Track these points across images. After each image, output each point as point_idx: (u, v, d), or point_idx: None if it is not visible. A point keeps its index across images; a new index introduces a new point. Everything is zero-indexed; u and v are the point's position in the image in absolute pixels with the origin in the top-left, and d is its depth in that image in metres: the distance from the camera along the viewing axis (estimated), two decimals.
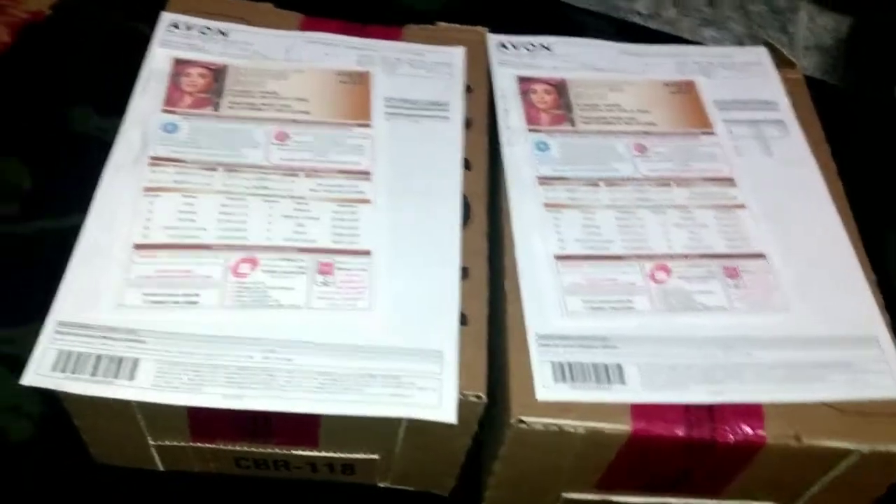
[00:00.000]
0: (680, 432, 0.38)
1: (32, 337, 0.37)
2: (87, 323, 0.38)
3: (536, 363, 0.39)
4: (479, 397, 0.38)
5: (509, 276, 0.43)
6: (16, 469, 0.44)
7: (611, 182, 0.47)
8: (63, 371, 0.36)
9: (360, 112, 0.48)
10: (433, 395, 0.38)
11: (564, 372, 0.39)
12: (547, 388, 0.39)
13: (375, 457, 0.43)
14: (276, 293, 0.40)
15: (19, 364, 0.36)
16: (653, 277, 0.43)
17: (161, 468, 0.44)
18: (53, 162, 0.56)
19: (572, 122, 0.50)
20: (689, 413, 0.39)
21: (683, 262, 0.44)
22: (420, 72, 0.51)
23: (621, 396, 0.39)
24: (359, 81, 0.50)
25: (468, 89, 0.51)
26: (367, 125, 0.48)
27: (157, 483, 0.44)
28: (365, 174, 0.45)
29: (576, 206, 0.46)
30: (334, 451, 0.42)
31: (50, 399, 0.37)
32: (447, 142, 0.47)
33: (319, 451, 0.42)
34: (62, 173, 0.55)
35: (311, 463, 0.43)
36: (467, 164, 0.47)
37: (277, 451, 0.42)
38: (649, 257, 0.44)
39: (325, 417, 0.38)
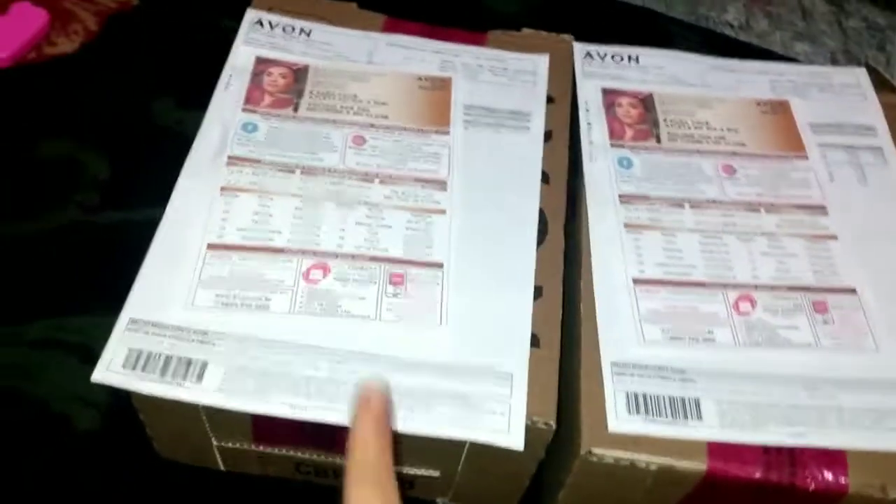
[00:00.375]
0: (758, 475, 0.37)
1: (103, 328, 0.37)
2: (159, 321, 0.38)
3: (610, 392, 0.38)
4: (548, 424, 0.37)
5: (584, 299, 0.41)
6: (80, 458, 0.44)
7: (696, 204, 0.45)
8: (133, 369, 0.36)
9: (439, 118, 0.47)
10: (501, 419, 0.37)
11: (639, 403, 0.38)
12: (620, 420, 0.37)
13: (436, 474, 0.42)
14: (346, 302, 0.39)
15: (89, 354, 0.36)
16: (737, 308, 0.41)
17: (222, 468, 0.44)
18: (133, 153, 0.57)
19: (658, 139, 0.48)
20: (769, 455, 0.37)
21: (769, 294, 0.42)
22: (502, 79, 0.50)
23: (698, 433, 0.37)
24: (439, 87, 0.49)
25: (550, 99, 0.49)
26: (445, 132, 0.47)
27: (217, 483, 0.44)
28: (441, 183, 0.44)
29: (658, 228, 0.44)
30: (394, 465, 0.41)
31: (117, 391, 0.37)
32: (526, 154, 0.46)
33: None
34: (141, 165, 0.56)
35: None
36: (546, 178, 0.45)
37: (338, 459, 0.42)
38: (734, 286, 0.42)
39: None
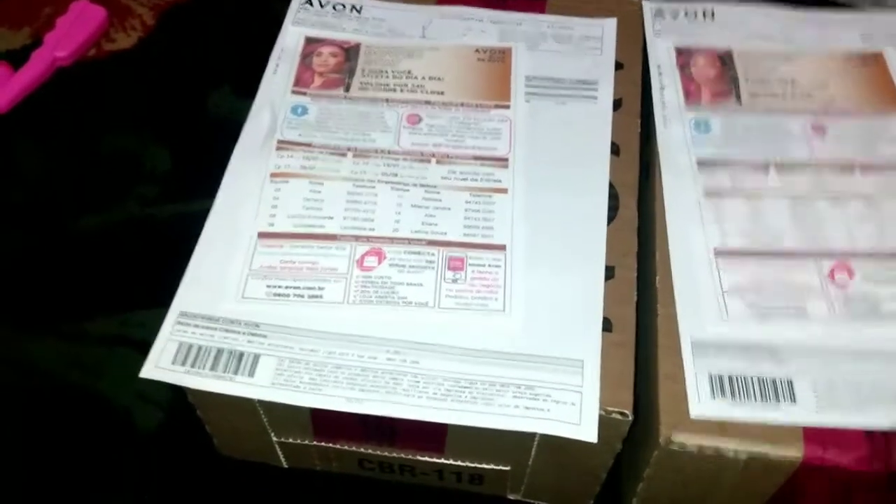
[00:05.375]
0: (861, 462, 0.33)
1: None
2: (210, 314, 0.37)
3: (691, 374, 0.35)
4: (623, 414, 0.34)
5: (661, 274, 0.38)
6: (141, 455, 0.44)
7: (782, 167, 0.41)
8: (183, 364, 0.35)
9: (498, 92, 0.44)
10: (572, 409, 0.34)
11: (724, 385, 0.34)
12: (703, 404, 0.34)
13: (506, 468, 0.39)
14: (403, 289, 0.37)
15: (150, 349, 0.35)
16: (832, 278, 0.37)
17: (285, 465, 0.43)
18: (191, 145, 0.56)
19: (738, 99, 0.44)
20: (873, 440, 0.33)
21: (869, 262, 0.38)
22: (566, 47, 0.46)
23: (792, 417, 0.33)
24: (498, 59, 0.46)
25: (619, 66, 0.46)
26: (505, 106, 0.44)
27: (280, 480, 0.43)
28: (502, 161, 0.42)
29: (740, 195, 0.40)
30: (461, 460, 0.39)
31: (178, 387, 0.36)
32: (594, 125, 0.43)
33: (446, 458, 0.39)
34: (200, 156, 0.55)
35: (438, 470, 0.40)
36: (616, 150, 0.42)
37: (402, 455, 0.40)
38: (828, 255, 0.38)
39: (452, 425, 0.35)
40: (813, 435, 0.33)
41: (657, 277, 0.38)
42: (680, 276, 0.38)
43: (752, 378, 0.35)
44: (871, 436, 0.33)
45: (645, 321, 0.37)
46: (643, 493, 0.37)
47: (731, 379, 0.35)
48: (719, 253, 0.38)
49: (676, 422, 0.34)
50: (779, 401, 0.34)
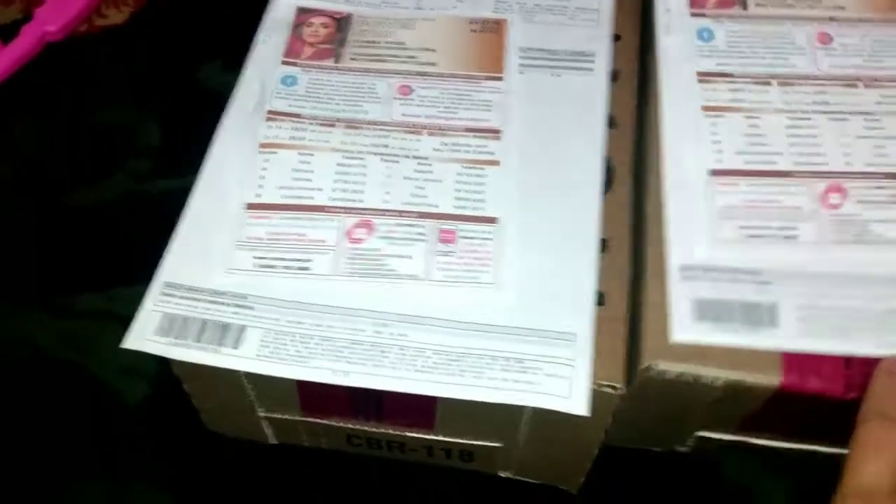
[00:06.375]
0: (837, 390, 0.32)
1: None
2: (195, 285, 0.36)
3: (675, 298, 0.34)
4: (615, 388, 0.33)
5: (653, 195, 0.37)
6: (128, 431, 0.43)
7: (784, 80, 0.40)
8: (167, 336, 0.34)
9: (491, 64, 0.43)
10: (563, 383, 0.33)
11: (707, 310, 0.34)
12: (684, 329, 0.34)
13: (497, 445, 0.39)
14: (393, 262, 0.36)
15: None
16: (824, 201, 0.36)
17: (273, 441, 0.42)
18: (182, 119, 0.55)
19: (744, 5, 0.43)
20: (851, 369, 0.33)
21: (863, 182, 0.37)
22: (561, 18, 0.45)
23: (772, 342, 0.33)
24: (492, 30, 0.45)
25: (616, 38, 0.45)
26: (498, 78, 0.43)
27: (267, 456, 0.42)
28: (494, 133, 0.41)
29: (740, 110, 0.39)
30: (451, 436, 0.39)
31: (167, 362, 0.35)
32: (589, 97, 0.42)
33: (435, 434, 0.39)
34: (191, 131, 0.54)
35: (427, 447, 0.40)
36: (612, 123, 0.41)
37: (391, 431, 0.39)
38: (823, 174, 0.37)
39: (441, 400, 0.35)
40: (792, 361, 0.33)
41: (649, 198, 0.37)
42: (672, 197, 0.37)
43: (736, 302, 0.34)
44: (849, 363, 0.33)
45: (637, 245, 0.37)
46: (619, 417, 0.36)
47: (715, 303, 0.34)
48: (715, 172, 0.37)
49: (658, 349, 0.33)
50: (761, 326, 0.33)
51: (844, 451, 0.32)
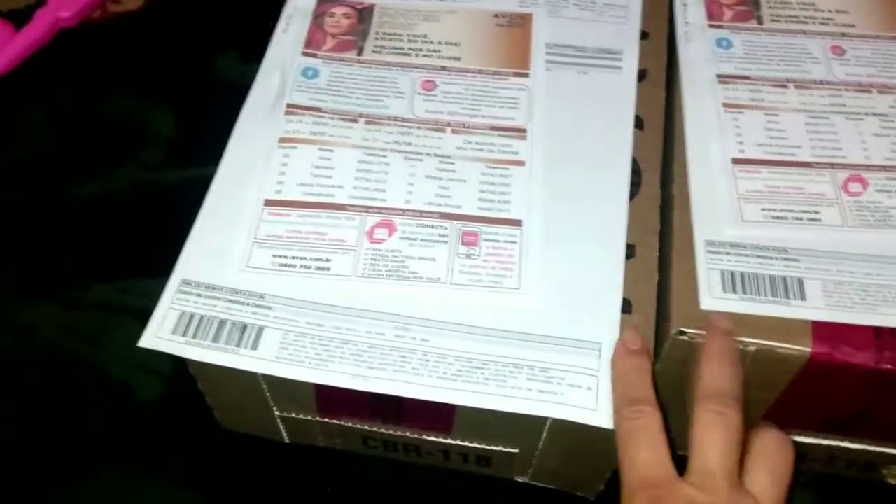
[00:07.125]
0: (869, 360, 0.32)
1: None
2: (213, 284, 0.35)
3: (703, 270, 0.35)
4: None
5: (678, 181, 0.38)
6: (139, 427, 0.42)
7: (801, 84, 0.42)
8: (184, 335, 0.34)
9: (517, 60, 0.42)
10: (587, 394, 0.32)
11: (735, 281, 0.35)
12: (714, 298, 0.34)
13: (515, 451, 0.38)
14: (414, 264, 0.36)
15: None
16: (846, 189, 0.37)
17: (286, 440, 0.42)
18: (197, 109, 0.54)
19: (759, 20, 0.44)
20: (881, 339, 0.33)
21: (883, 175, 0.38)
22: (589, 14, 0.44)
23: (801, 313, 0.34)
24: (518, 24, 0.44)
25: (644, 35, 0.44)
26: (524, 74, 0.42)
27: (281, 455, 0.42)
28: (520, 132, 0.40)
29: (759, 107, 0.41)
30: (469, 441, 0.38)
31: (179, 358, 0.34)
32: (617, 96, 0.41)
33: (453, 439, 0.38)
34: (205, 121, 0.53)
35: (444, 450, 0.39)
36: (639, 123, 0.40)
37: (408, 434, 0.38)
38: (843, 166, 0.38)
39: (461, 406, 0.34)
40: (822, 331, 0.33)
41: (674, 184, 0.38)
42: (697, 183, 0.38)
43: (763, 276, 0.35)
44: (879, 333, 0.33)
45: (662, 229, 0.37)
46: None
47: (742, 276, 0.35)
48: (737, 161, 0.38)
49: (687, 315, 0.34)
50: (789, 297, 0.34)
51: (868, 448, 0.32)
